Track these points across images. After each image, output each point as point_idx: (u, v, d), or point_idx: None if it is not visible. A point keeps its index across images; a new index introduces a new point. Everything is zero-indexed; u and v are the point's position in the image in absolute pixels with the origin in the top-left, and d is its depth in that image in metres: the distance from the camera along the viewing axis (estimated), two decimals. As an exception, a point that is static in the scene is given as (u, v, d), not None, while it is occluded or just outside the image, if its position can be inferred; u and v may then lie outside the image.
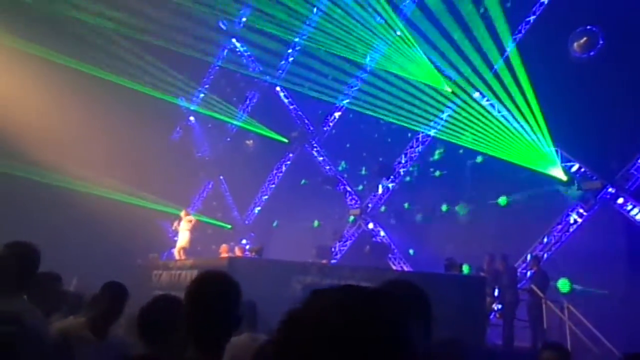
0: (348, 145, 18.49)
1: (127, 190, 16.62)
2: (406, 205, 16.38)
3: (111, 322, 3.61)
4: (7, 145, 14.01)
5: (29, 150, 14.32)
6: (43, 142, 14.39)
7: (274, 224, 19.70)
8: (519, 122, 13.39)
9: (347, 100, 18.41)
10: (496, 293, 11.03)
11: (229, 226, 20.27)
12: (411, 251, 15.76)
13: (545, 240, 13.25)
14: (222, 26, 21.45)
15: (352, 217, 17.54)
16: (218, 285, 2.19)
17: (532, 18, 14.26)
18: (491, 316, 11.42)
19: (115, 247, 14.21)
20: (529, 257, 12.85)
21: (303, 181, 19.36)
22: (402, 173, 16.71)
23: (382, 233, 16.71)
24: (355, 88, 18.19)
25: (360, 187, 17.88)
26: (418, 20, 16.30)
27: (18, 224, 13.18)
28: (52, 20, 14.97)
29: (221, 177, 21.89)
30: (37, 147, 14.30)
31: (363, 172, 17.80)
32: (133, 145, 16.68)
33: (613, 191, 12.40)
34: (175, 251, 14.18)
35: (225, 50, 21.91)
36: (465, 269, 12.34)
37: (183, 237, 14.09)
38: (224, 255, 13.04)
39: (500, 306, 11.22)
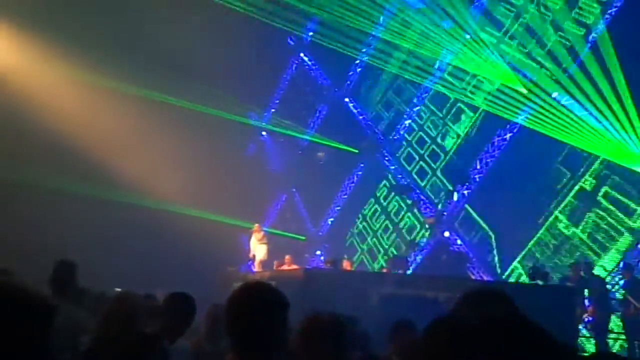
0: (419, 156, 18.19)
1: (205, 206, 17.16)
2: (477, 213, 15.82)
3: (177, 334, 3.54)
4: (100, 171, 15.04)
5: (114, 173, 15.32)
6: (125, 164, 15.31)
7: (348, 236, 19.68)
8: (608, 120, 12.38)
9: (418, 107, 18.17)
10: (586, 303, 10.40)
11: (303, 238, 20.45)
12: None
13: (640, 246, 12.30)
14: (290, 42, 21.91)
15: (427, 226, 17.17)
16: (260, 299, 2.06)
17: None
18: (582, 328, 10.78)
19: (195, 261, 14.69)
20: (621, 264, 11.96)
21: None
22: (477, 179, 16.15)
23: (458, 242, 16.20)
24: (425, 95, 17.91)
25: (430, 195, 17.48)
26: (491, 18, 15.73)
27: (108, 244, 14.09)
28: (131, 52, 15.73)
29: (294, 190, 22.16)
30: (123, 171, 15.27)
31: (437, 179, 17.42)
32: (209, 163, 17.27)
33: None
34: (256, 264, 14.66)
35: (294, 65, 22.30)
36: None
37: (261, 251, 14.53)
38: (289, 266, 13.38)
39: (590, 318, 10.55)
